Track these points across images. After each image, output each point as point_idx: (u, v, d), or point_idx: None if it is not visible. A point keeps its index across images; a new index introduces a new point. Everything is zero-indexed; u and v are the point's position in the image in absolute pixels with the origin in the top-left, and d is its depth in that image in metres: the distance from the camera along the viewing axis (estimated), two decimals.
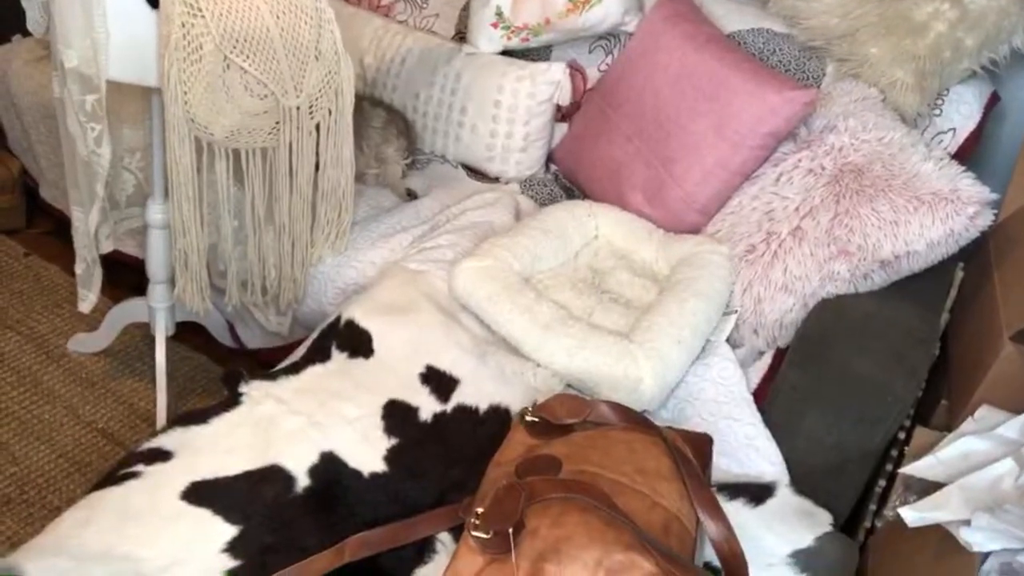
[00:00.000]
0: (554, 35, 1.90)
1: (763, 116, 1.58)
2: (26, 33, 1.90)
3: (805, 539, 1.17)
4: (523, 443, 1.04)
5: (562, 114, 1.97)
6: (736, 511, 1.16)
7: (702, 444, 1.09)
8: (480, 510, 0.87)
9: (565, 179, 1.98)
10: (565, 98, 1.92)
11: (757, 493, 1.21)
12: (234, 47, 1.38)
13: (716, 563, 0.98)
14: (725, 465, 1.30)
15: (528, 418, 1.06)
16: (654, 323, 1.40)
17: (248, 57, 1.39)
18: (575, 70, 1.96)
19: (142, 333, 1.89)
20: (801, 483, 1.27)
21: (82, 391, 1.81)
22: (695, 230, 1.67)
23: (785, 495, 1.22)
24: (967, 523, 1.01)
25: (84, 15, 1.38)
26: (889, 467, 1.33)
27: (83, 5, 1.37)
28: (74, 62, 1.41)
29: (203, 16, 1.36)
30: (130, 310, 1.83)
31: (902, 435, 1.34)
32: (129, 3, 1.39)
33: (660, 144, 1.70)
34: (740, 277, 1.53)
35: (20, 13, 1.70)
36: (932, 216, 1.40)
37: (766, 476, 1.27)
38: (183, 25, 1.35)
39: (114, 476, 1.09)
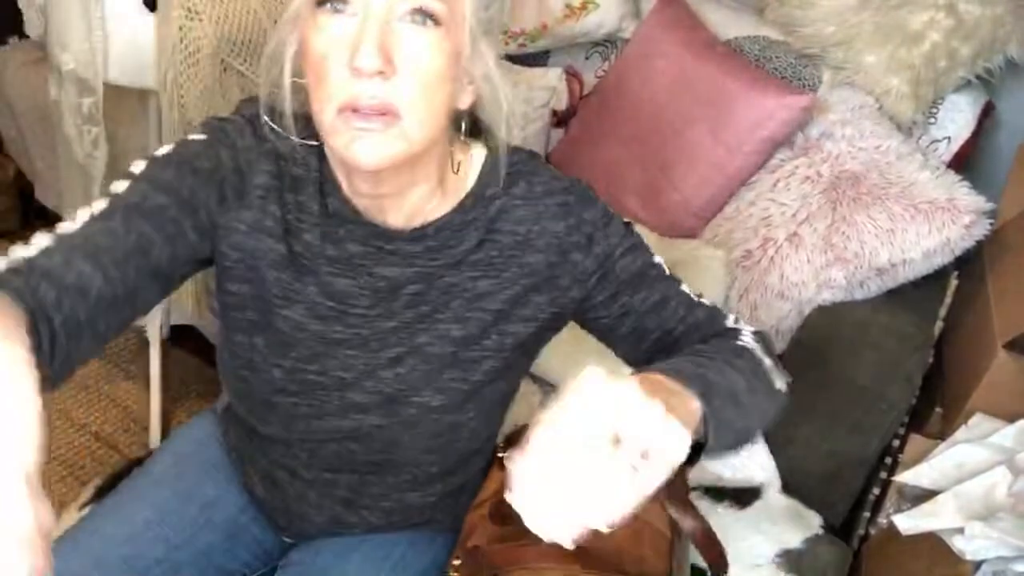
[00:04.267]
0: (551, 41, 1.91)
1: (760, 121, 1.58)
2: (23, 35, 1.90)
3: (793, 540, 1.17)
4: (499, 479, 1.04)
5: (558, 119, 1.98)
6: (721, 514, 1.16)
7: None
8: (456, 562, 0.88)
9: None
10: (561, 103, 1.92)
11: (743, 496, 1.21)
12: (231, 50, 1.38)
13: (702, 564, 0.98)
14: (716, 470, 1.30)
15: (500, 455, 1.05)
16: None
17: (245, 60, 1.39)
18: (572, 76, 1.96)
19: (137, 336, 1.89)
20: (796, 490, 1.27)
21: (76, 394, 1.81)
22: (691, 235, 1.67)
23: (773, 497, 1.22)
24: (961, 531, 1.01)
25: (82, 18, 1.38)
26: (883, 475, 1.33)
27: (81, 8, 1.37)
28: (71, 65, 1.41)
29: (201, 20, 1.36)
30: None
31: (896, 443, 1.34)
32: (127, 6, 1.39)
33: (657, 149, 1.70)
34: (736, 283, 1.53)
35: (17, 15, 1.70)
36: (928, 225, 1.41)
37: (756, 480, 1.27)
38: (181, 28, 1.35)
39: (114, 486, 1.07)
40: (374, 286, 0.80)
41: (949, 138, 1.65)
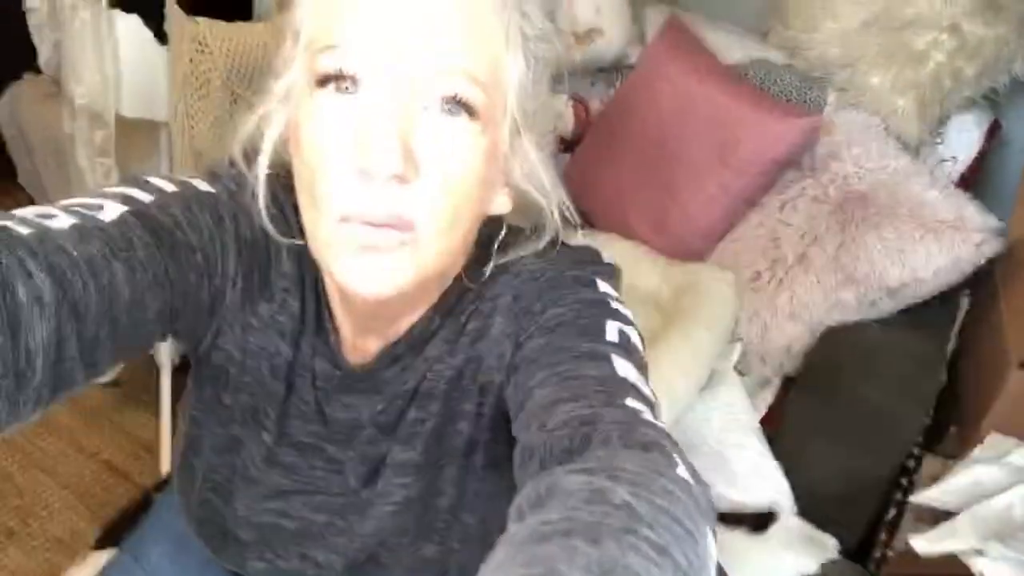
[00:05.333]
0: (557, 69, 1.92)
1: (766, 143, 1.59)
2: (38, 71, 1.94)
3: (810, 566, 1.15)
4: None
5: (565, 145, 1.99)
6: (736, 540, 1.15)
7: None
8: None
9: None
10: (567, 129, 1.94)
11: (758, 521, 1.20)
12: (241, 82, 1.40)
13: None
14: (732, 494, 1.28)
15: None
16: (659, 353, 1.39)
17: (255, 92, 1.41)
18: (578, 102, 1.97)
19: (146, 364, 1.89)
20: (810, 512, 1.25)
21: (86, 422, 1.81)
22: (699, 257, 1.67)
23: (789, 522, 1.21)
24: (979, 552, 1.00)
25: (95, 52, 1.40)
26: (899, 496, 1.32)
27: (94, 42, 1.40)
28: (84, 99, 1.43)
29: (211, 52, 1.39)
30: None
31: (912, 463, 1.32)
32: (138, 40, 1.41)
33: (664, 172, 1.71)
34: (746, 305, 1.52)
35: (31, 50, 1.74)
36: (938, 244, 1.40)
37: (771, 504, 1.26)
38: (191, 61, 1.37)
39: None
40: (334, 416, 0.66)
41: (955, 157, 1.65)
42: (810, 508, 1.26)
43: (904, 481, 1.31)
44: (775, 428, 1.37)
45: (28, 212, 0.48)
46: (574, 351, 0.54)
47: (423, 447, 0.65)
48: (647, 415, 0.48)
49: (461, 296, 0.63)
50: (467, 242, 0.58)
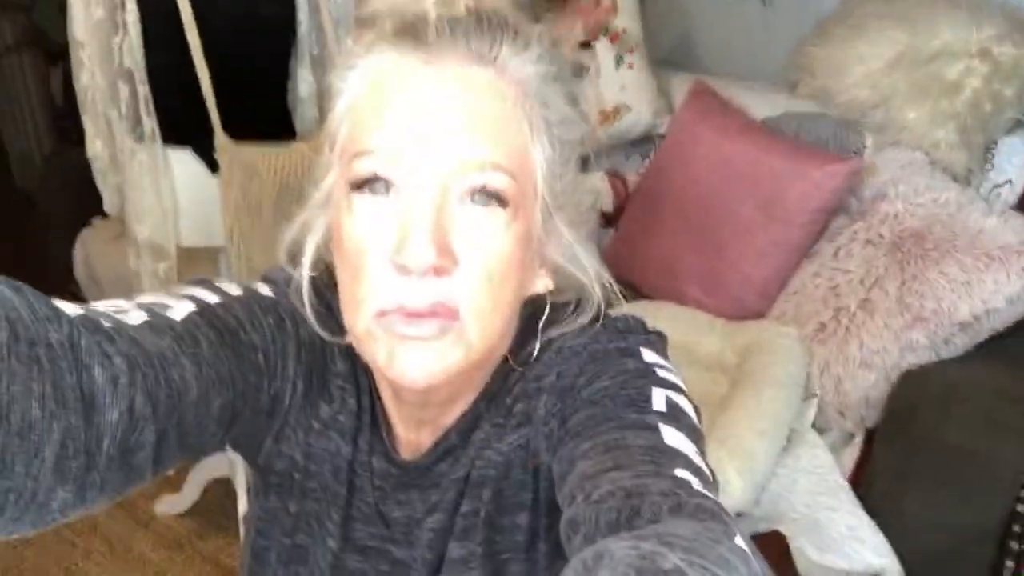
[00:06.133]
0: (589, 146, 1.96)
1: (808, 192, 1.57)
2: (104, 215, 2.06)
3: None
4: None
5: (607, 220, 2.00)
6: None
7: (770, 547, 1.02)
8: None
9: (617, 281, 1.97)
10: (607, 205, 1.95)
11: None
12: (290, 199, 1.46)
13: None
14: (830, 561, 1.21)
15: None
16: (731, 418, 1.35)
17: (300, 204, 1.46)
18: (614, 176, 2.00)
19: (224, 488, 1.91)
20: (918, 572, 1.17)
21: (171, 554, 1.82)
22: (757, 315, 1.64)
23: None
24: None
25: (153, 190, 1.49)
26: (1014, 545, 1.22)
27: (151, 181, 1.48)
28: (146, 234, 1.51)
29: (259, 175, 1.46)
30: (211, 466, 1.86)
31: (1022, 507, 1.23)
32: (192, 172, 1.49)
33: (709, 234, 1.70)
34: (815, 358, 1.48)
35: (98, 198, 1.85)
36: (1006, 271, 1.35)
37: (873, 568, 1.18)
38: (242, 186, 1.44)
39: None
40: (391, 515, 0.65)
41: (1011, 181, 1.60)
42: (917, 567, 1.18)
43: (1017, 528, 1.22)
44: (864, 485, 1.30)
45: (103, 306, 0.49)
46: (619, 421, 0.52)
47: (481, 538, 0.63)
48: (698, 486, 0.46)
49: (506, 378, 0.62)
50: (510, 324, 0.58)
